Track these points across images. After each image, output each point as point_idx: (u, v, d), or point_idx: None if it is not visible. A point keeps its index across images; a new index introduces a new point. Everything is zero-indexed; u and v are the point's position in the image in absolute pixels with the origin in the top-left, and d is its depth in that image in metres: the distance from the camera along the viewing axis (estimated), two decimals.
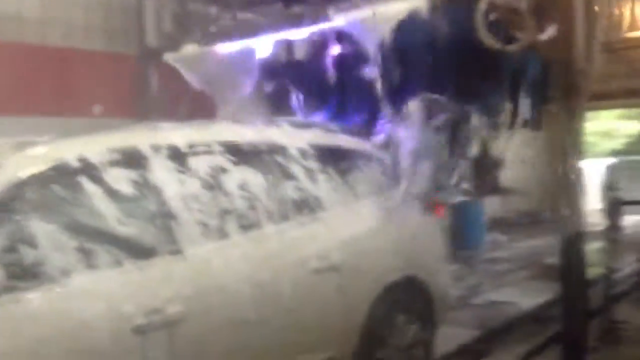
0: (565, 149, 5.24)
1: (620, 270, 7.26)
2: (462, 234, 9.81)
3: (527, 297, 6.99)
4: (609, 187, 7.83)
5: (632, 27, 6.96)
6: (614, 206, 7.43)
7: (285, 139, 3.75)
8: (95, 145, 3.09)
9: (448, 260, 4.43)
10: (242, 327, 3.15)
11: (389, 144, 4.59)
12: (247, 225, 3.33)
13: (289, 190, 3.60)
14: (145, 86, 7.96)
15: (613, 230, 6.99)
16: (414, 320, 4.07)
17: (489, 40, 4.75)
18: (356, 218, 3.89)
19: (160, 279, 2.99)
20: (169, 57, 7.35)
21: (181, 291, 3.00)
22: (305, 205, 3.65)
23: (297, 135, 3.86)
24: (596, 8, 5.19)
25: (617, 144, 13.47)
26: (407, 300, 4.05)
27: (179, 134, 3.33)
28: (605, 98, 7.52)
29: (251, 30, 6.88)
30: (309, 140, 3.88)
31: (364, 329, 3.73)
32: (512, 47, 4.86)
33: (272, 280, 3.30)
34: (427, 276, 4.15)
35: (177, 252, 3.06)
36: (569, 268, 5.17)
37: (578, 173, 5.26)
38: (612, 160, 10.67)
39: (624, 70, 7.03)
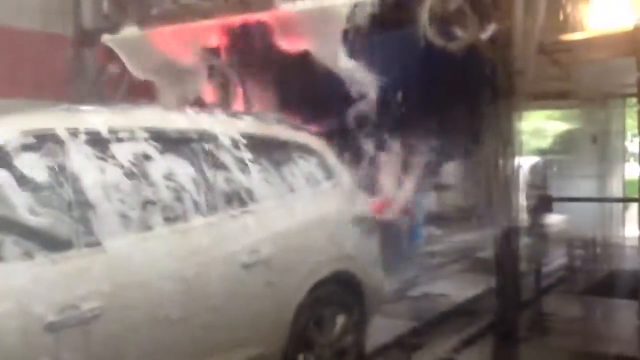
0: (501, 146, 5.24)
1: (548, 265, 7.47)
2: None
3: (460, 289, 6.98)
4: (533, 185, 7.94)
5: (565, 30, 7.05)
6: (538, 203, 7.53)
7: (217, 127, 3.50)
8: (6, 128, 2.79)
9: (381, 254, 4.26)
10: (164, 325, 2.92)
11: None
12: (172, 217, 3.08)
13: (219, 181, 3.35)
14: (81, 69, 7.52)
15: (537, 227, 7.09)
16: (345, 315, 3.91)
17: (433, 37, 4.68)
18: (289, 211, 3.67)
19: (76, 273, 2.73)
20: (106, 40, 7.00)
21: (98, 286, 2.74)
22: (236, 197, 3.42)
23: (229, 123, 3.62)
24: (534, 10, 5.14)
25: (545, 143, 13.68)
26: (338, 295, 3.88)
27: (100, 118, 3.04)
28: (537, 99, 7.58)
29: (193, 15, 6.59)
30: (242, 129, 3.64)
31: (294, 324, 3.54)
32: (454, 45, 4.79)
33: (198, 275, 3.07)
34: (360, 271, 3.99)
35: (94, 244, 2.80)
36: (503, 262, 5.17)
37: (513, 170, 5.26)
38: (536, 159, 10.79)
39: (556, 73, 7.10)
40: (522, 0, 5.02)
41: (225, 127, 3.54)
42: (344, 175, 4.18)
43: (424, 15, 4.67)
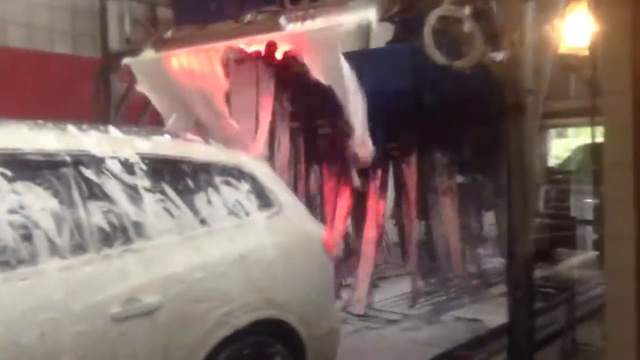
0: (516, 169, 4.30)
1: (585, 293, 6.25)
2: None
3: (495, 314, 5.94)
4: (556, 208, 6.81)
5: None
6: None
7: (104, 148, 2.60)
8: None
9: (332, 295, 3.19)
10: None
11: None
12: (12, 262, 2.20)
13: (95, 214, 2.44)
14: (106, 91, 6.98)
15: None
16: None
17: (436, 55, 4.01)
18: (194, 249, 2.72)
19: None
20: (127, 62, 6.48)
21: None
22: (118, 234, 2.50)
23: (125, 143, 2.70)
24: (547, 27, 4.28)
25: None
26: (261, 350, 2.86)
27: None
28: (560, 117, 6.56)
29: (206, 39, 5.92)
30: (143, 150, 2.71)
31: None
32: (459, 64, 4.06)
33: (42, 338, 2.17)
34: (294, 318, 2.96)
35: None
36: (515, 294, 4.28)
37: (528, 194, 4.30)
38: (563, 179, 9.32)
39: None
40: (532, 17, 4.10)
41: (118, 147, 2.63)
42: (290, 203, 3.18)
43: (427, 34, 3.97)
